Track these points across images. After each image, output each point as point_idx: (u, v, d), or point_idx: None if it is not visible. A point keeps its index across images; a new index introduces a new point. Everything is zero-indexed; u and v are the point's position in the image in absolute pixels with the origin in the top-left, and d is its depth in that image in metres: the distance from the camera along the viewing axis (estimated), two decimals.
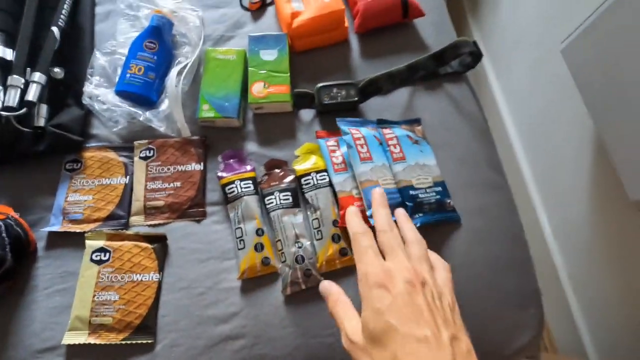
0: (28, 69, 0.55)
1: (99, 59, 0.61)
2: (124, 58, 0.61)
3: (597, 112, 0.57)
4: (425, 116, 0.61)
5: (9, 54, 0.54)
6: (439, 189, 0.54)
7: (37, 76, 0.54)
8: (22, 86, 0.52)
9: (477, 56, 0.62)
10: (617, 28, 0.49)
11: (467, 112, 0.63)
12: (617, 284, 0.74)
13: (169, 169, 0.55)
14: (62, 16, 0.60)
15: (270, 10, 0.70)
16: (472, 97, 0.64)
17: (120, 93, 0.57)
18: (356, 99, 0.59)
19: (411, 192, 0.52)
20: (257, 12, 0.68)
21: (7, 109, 0.50)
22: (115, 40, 0.64)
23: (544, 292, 0.55)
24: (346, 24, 0.65)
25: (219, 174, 0.55)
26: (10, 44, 0.55)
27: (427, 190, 0.53)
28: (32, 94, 0.53)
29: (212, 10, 0.68)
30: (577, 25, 0.55)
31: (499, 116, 1.04)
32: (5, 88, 0.51)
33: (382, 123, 0.58)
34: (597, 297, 0.81)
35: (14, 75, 0.52)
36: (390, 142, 0.55)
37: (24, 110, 0.51)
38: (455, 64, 0.64)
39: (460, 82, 0.64)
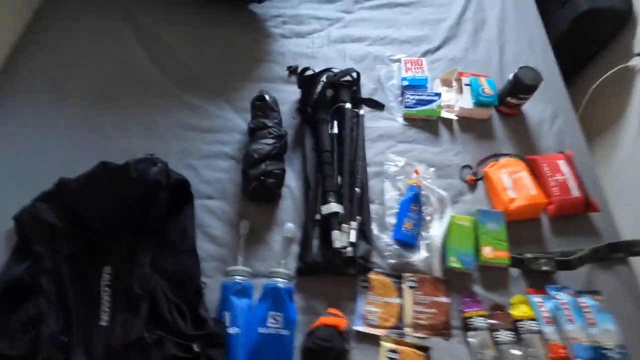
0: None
1: (375, 209, 0.92)
2: (388, 209, 0.92)
3: None
4: (602, 288, 0.86)
5: (336, 208, 0.86)
6: (621, 350, 0.77)
7: (353, 224, 0.86)
8: (349, 231, 0.84)
9: None
10: None
11: (630, 287, 0.87)
12: None
13: (427, 298, 0.83)
14: (359, 180, 0.93)
15: (480, 183, 1.00)
16: (633, 276, 0.89)
17: (396, 239, 0.87)
18: (553, 269, 0.85)
19: (602, 350, 0.76)
20: (472, 185, 0.99)
21: (349, 246, 0.82)
22: (382, 196, 0.96)
23: None
24: None
25: (461, 308, 0.82)
26: (337, 200, 0.88)
27: (612, 350, 0.76)
28: (354, 236, 0.84)
29: (441, 180, 0.99)
30: None
31: None
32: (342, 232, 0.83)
33: (578, 292, 0.83)
34: None
35: (348, 225, 0.84)
36: (585, 309, 0.80)
37: (351, 247, 0.82)
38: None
39: (625, 263, 0.89)
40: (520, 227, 0.93)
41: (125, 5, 1.21)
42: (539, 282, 0.87)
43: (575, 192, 0.92)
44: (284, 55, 1.18)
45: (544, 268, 0.85)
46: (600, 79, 1.43)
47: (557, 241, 0.93)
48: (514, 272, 0.88)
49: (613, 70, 1.38)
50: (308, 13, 1.29)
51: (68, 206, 0.82)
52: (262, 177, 0.88)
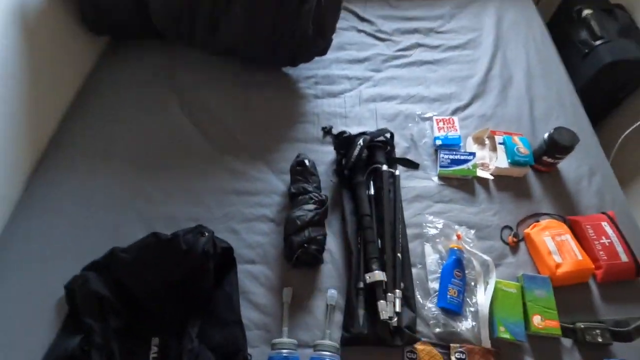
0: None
1: (417, 274, 0.92)
2: (430, 274, 0.91)
3: None
4: None
5: (381, 276, 0.86)
6: None
7: (398, 293, 0.85)
8: (394, 300, 0.83)
9: None
10: None
11: None
12: None
13: None
14: (399, 244, 0.93)
15: (522, 245, 0.99)
16: None
17: (441, 308, 0.86)
18: (609, 342, 0.82)
19: None
20: (514, 247, 0.98)
21: (395, 315, 0.81)
22: (422, 259, 0.95)
23: None
24: None
25: None
26: (380, 267, 0.88)
27: None
28: (399, 305, 0.83)
29: (481, 241, 0.99)
30: None
31: None
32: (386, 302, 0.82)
33: None
34: None
35: (392, 293, 0.83)
36: None
37: (397, 317, 0.81)
38: None
39: None
40: (568, 292, 0.91)
41: (174, 72, 1.28)
42: (594, 352, 0.84)
43: (624, 257, 0.90)
44: (318, 116, 1.22)
45: (600, 340, 0.82)
46: (632, 127, 1.43)
47: (607, 308, 0.90)
48: (566, 342, 0.85)
49: None
50: (339, 73, 1.34)
51: (117, 278, 0.84)
52: (305, 245, 0.89)
